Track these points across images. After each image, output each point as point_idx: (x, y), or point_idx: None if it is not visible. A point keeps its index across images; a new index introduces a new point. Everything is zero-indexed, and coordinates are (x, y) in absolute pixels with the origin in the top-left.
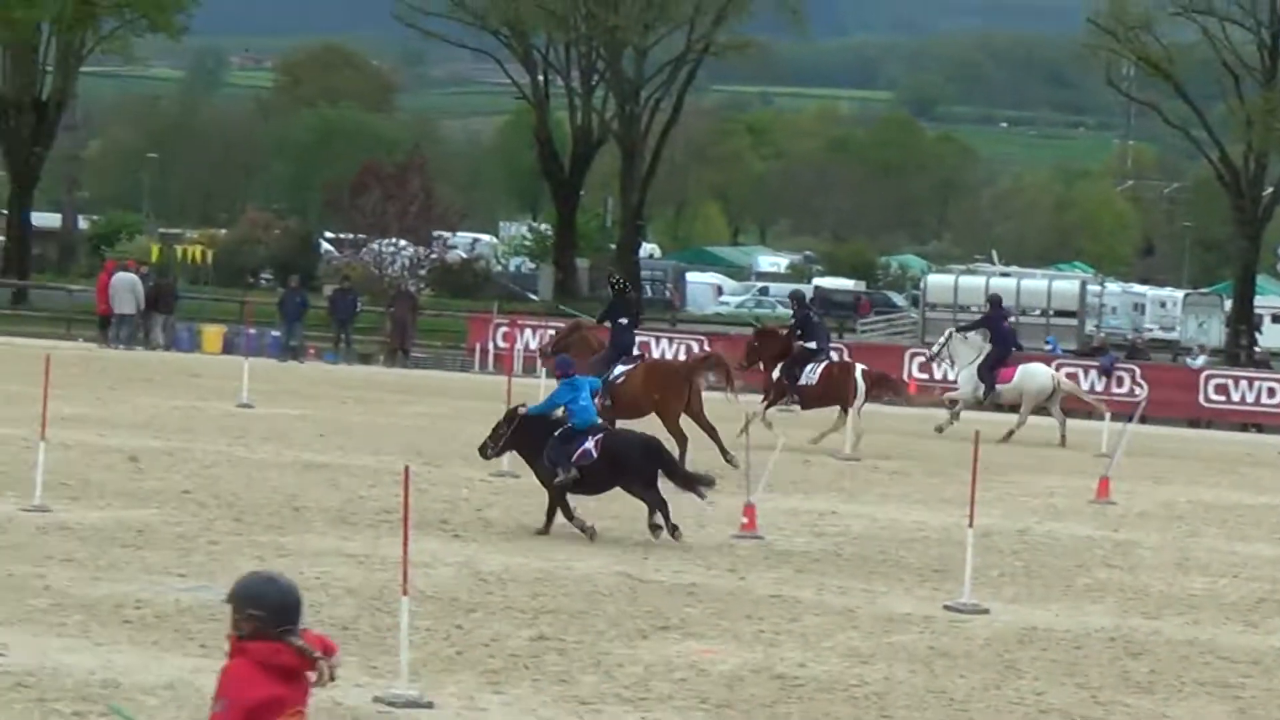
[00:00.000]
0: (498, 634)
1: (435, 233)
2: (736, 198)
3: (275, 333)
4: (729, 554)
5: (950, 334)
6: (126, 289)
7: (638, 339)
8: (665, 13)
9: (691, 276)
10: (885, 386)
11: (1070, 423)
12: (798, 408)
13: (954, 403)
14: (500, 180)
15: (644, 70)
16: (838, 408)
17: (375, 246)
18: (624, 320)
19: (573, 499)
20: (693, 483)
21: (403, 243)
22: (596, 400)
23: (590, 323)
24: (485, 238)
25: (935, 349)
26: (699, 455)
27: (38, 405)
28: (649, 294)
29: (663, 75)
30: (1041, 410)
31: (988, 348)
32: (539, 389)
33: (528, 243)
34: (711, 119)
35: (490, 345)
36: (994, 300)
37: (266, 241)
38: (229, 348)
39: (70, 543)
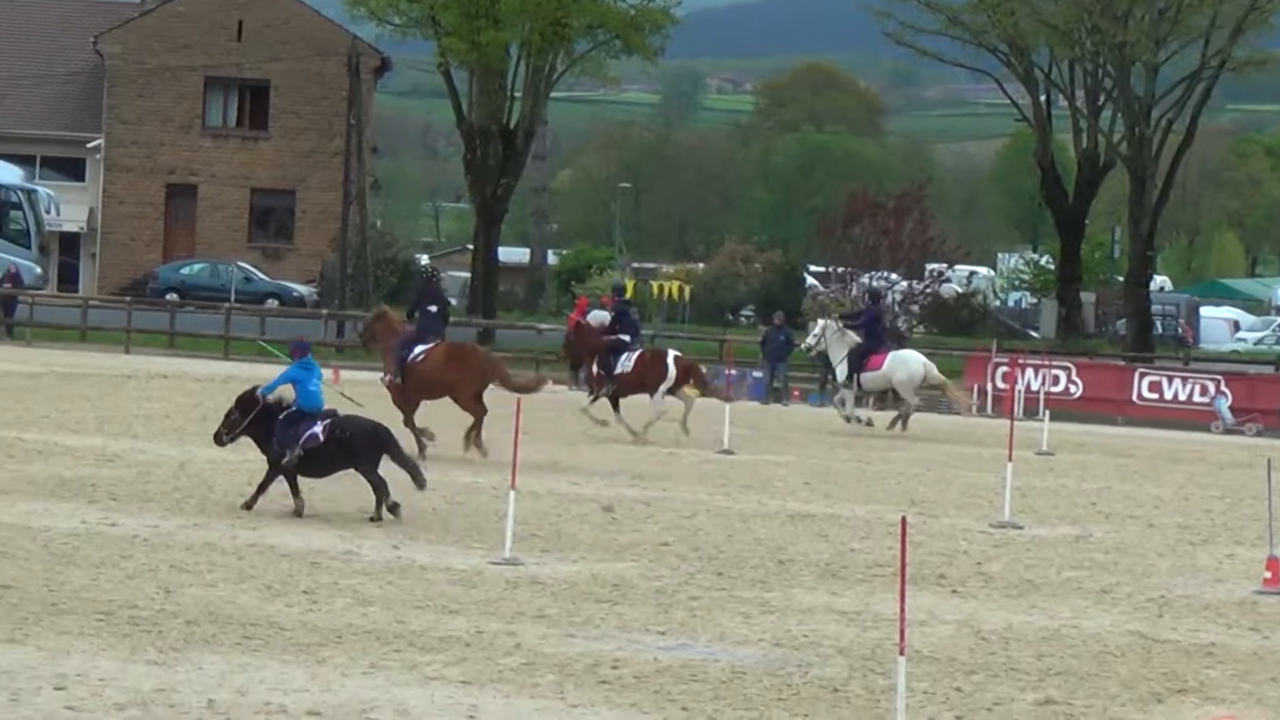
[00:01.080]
0: (1001, 697)
1: (929, 265)
2: (1254, 226)
3: (757, 373)
4: (1251, 611)
5: (825, 326)
6: None
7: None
8: (1179, 27)
9: (1205, 311)
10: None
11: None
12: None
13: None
14: (998, 208)
15: (1155, 89)
16: None
17: (865, 280)
18: (432, 308)
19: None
20: (413, 472)
21: (894, 276)
22: (386, 379)
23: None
24: (982, 270)
25: (811, 340)
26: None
27: (506, 452)
28: (1159, 330)
29: (1175, 94)
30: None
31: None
32: (1042, 432)
33: (1027, 275)
34: (1227, 140)
35: (989, 386)
36: (873, 294)
37: (747, 276)
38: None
39: (542, 598)
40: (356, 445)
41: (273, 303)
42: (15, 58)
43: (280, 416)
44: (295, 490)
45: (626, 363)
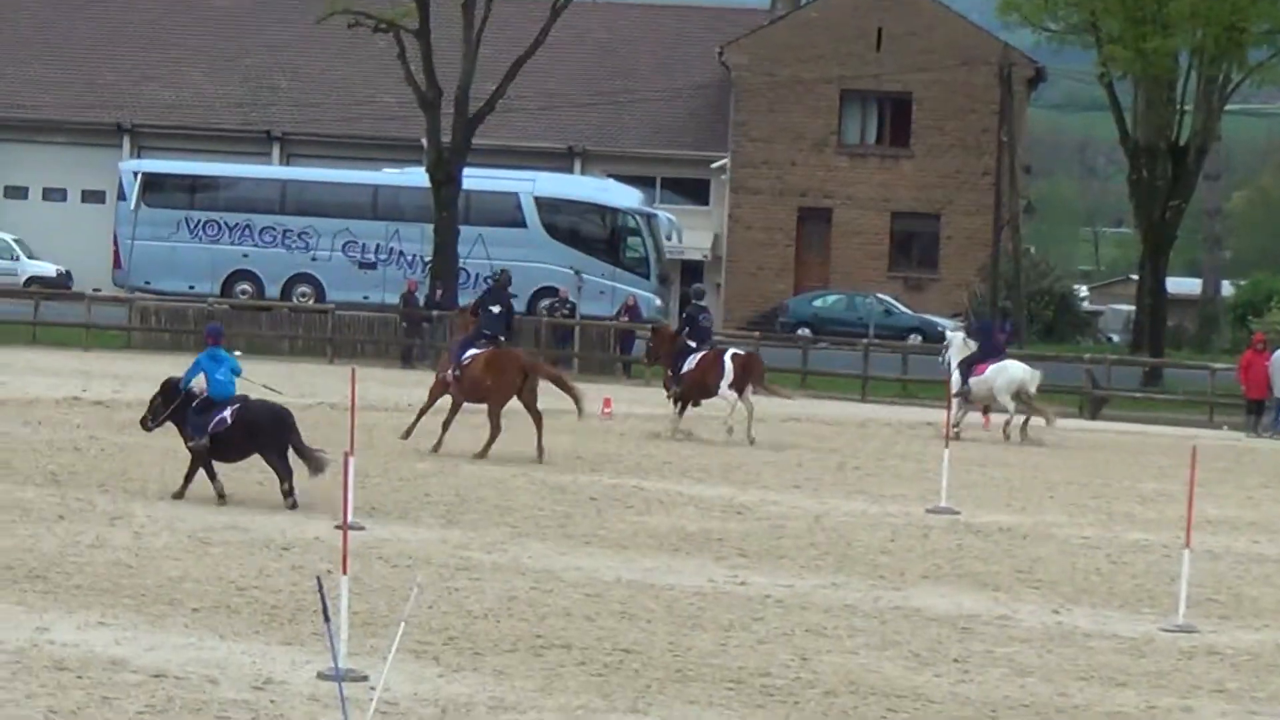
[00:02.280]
0: None
1: None
2: None
3: None
4: None
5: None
6: None
7: None
8: None
9: None
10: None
11: None
12: None
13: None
14: None
15: None
16: None
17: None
18: (495, 308)
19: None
20: (312, 460)
21: None
22: (448, 374)
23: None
24: None
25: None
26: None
27: (1179, 506)
28: None
29: None
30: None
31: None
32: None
33: None
34: None
35: None
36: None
37: None
38: None
39: (1221, 670)
40: (260, 429)
41: (915, 339)
42: (633, 72)
43: (193, 405)
44: (212, 475)
45: (690, 363)
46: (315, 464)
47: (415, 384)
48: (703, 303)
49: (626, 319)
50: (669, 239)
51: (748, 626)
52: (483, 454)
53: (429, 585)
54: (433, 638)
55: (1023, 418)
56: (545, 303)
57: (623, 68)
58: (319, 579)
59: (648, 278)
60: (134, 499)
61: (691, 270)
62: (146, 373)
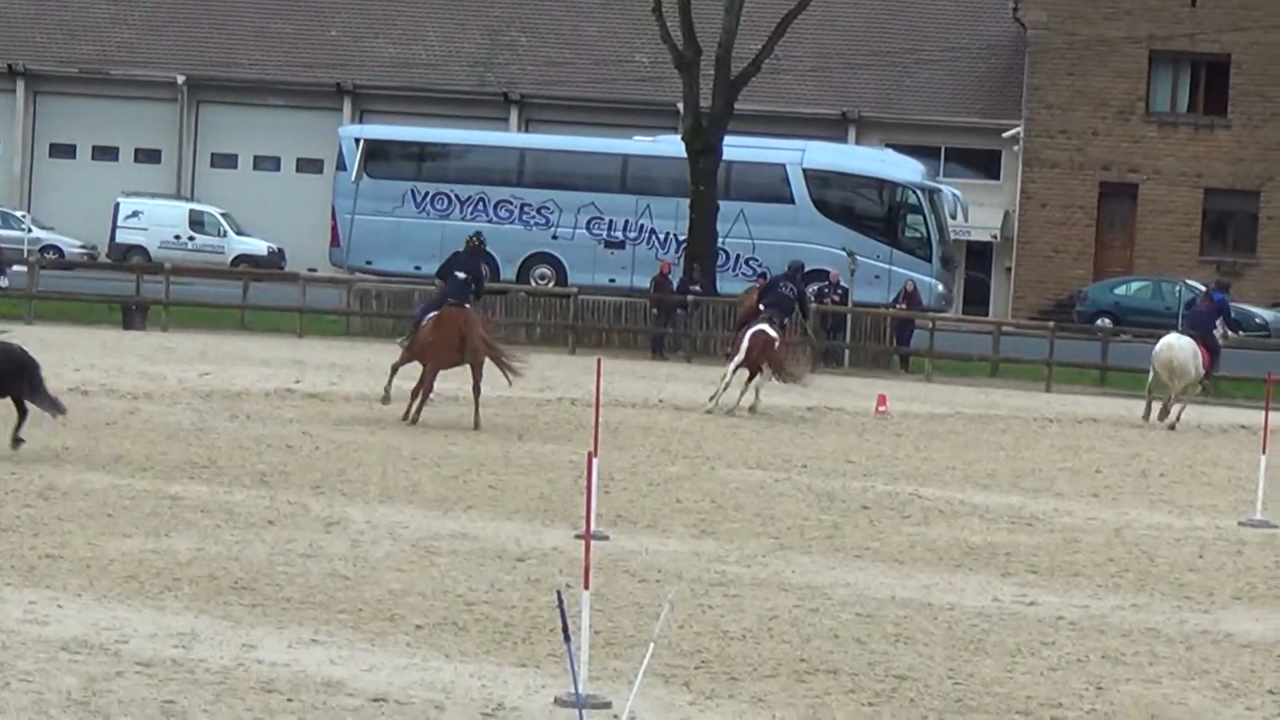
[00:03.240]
0: None
1: None
2: None
3: None
4: None
5: None
6: None
7: None
8: None
9: None
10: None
11: None
12: None
13: None
14: None
15: None
16: None
17: None
18: (460, 274)
19: None
20: (49, 403)
21: None
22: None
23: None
24: None
25: None
26: None
27: None
28: None
29: None
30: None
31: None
32: None
33: None
34: None
35: None
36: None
37: None
38: None
39: None
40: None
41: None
42: (915, 30)
43: None
44: None
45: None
46: (54, 406)
47: (667, 377)
48: (794, 276)
49: (904, 306)
50: (953, 217)
51: (1037, 651)
52: (410, 418)
53: (680, 602)
54: (684, 661)
55: None
56: (814, 287)
57: (904, 25)
58: (559, 594)
59: (929, 260)
60: (352, 502)
61: (978, 253)
62: (367, 362)
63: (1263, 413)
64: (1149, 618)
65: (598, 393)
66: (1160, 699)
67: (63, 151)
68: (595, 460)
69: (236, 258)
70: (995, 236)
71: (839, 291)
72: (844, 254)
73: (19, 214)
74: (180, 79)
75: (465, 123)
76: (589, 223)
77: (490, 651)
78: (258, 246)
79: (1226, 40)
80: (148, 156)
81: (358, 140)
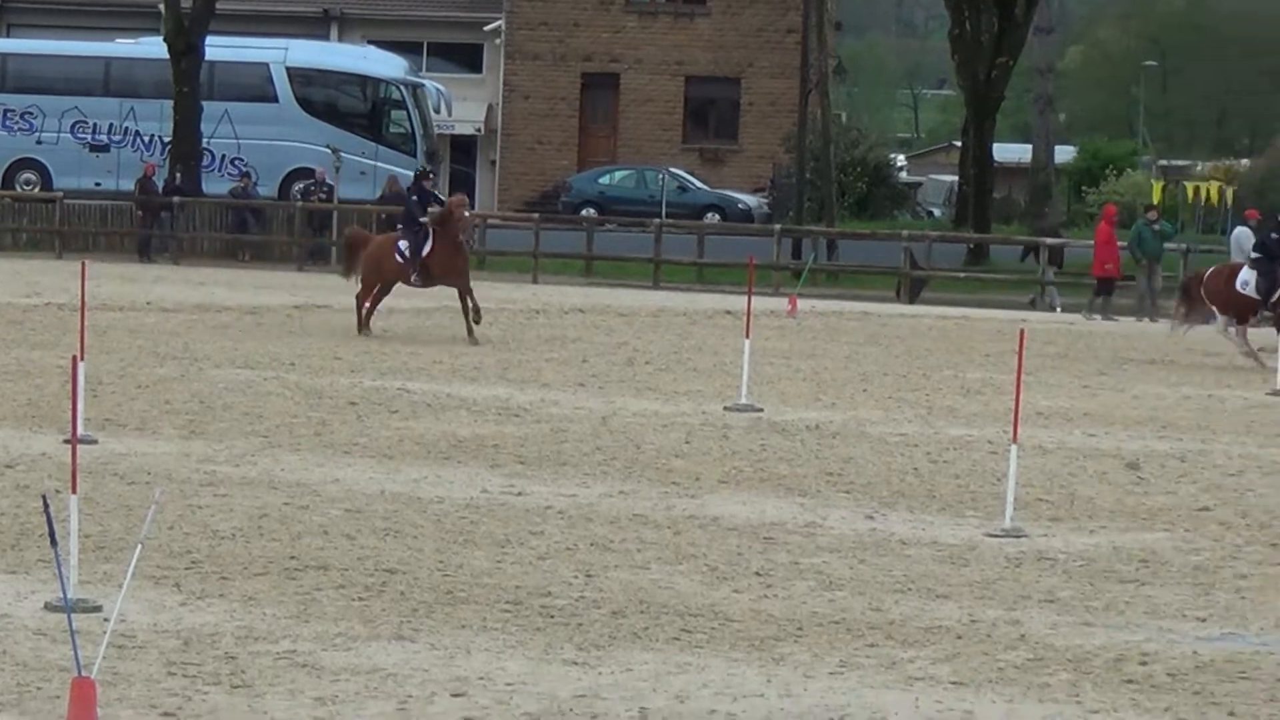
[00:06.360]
0: None
1: None
2: None
3: None
4: None
5: None
6: None
7: None
8: None
9: None
10: None
11: None
12: None
13: None
14: None
15: None
16: None
17: None
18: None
19: None
20: None
21: None
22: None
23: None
24: None
25: None
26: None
27: (1006, 398)
28: None
29: None
30: None
31: None
32: None
33: None
34: None
35: None
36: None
37: None
38: None
39: (1051, 577)
40: None
41: (713, 217)
42: None
43: None
44: None
45: None
46: None
47: (154, 280)
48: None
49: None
50: (437, 112)
51: (526, 541)
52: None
53: (169, 503)
54: (174, 561)
55: None
56: (299, 186)
57: None
58: (45, 499)
59: (414, 155)
60: None
61: (463, 146)
62: None
63: (746, 298)
64: (636, 504)
65: (83, 296)
66: (649, 584)
67: None
68: (81, 364)
69: None
70: (479, 130)
71: (325, 189)
72: (329, 152)
73: None
74: None
75: None
76: (73, 127)
77: None
78: None
79: None
80: None
81: None
